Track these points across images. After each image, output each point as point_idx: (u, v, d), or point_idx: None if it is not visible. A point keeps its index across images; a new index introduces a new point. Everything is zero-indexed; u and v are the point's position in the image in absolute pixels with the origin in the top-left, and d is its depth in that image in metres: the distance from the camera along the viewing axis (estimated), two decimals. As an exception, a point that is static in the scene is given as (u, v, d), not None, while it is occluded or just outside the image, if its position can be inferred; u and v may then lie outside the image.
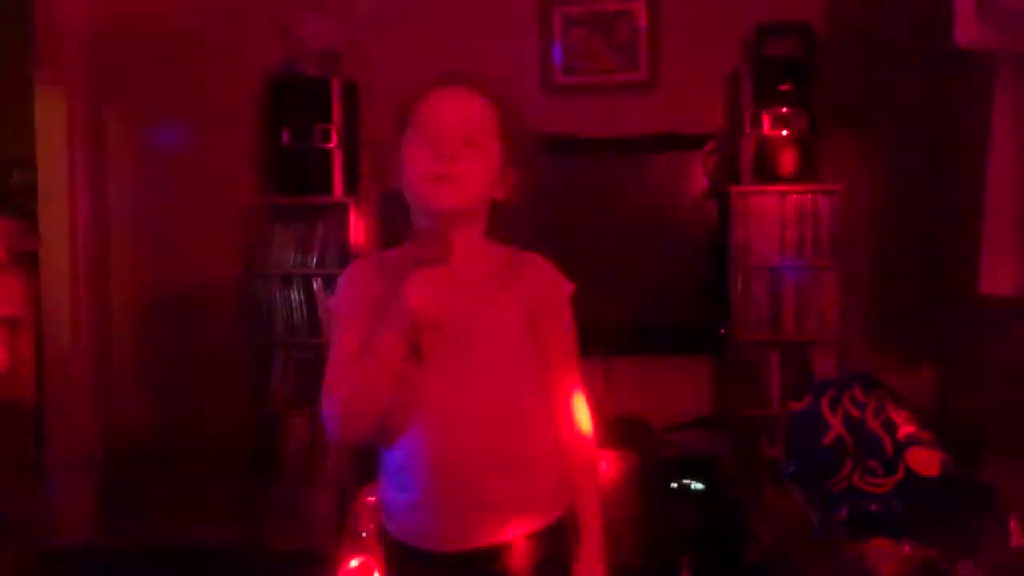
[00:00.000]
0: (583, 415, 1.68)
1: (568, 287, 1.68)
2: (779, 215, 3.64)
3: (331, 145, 3.78)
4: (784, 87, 3.61)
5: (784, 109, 3.60)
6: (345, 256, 3.79)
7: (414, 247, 1.56)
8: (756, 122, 3.63)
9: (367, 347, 1.52)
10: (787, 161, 3.62)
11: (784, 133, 3.62)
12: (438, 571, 1.56)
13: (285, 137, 3.79)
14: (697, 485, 3.47)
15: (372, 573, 2.89)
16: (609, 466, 3.32)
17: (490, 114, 1.63)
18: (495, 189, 1.64)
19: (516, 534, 1.56)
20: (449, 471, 1.54)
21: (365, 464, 3.70)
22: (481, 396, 1.57)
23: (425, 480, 1.55)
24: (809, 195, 3.63)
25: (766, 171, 3.64)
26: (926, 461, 2.45)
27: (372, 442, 1.62)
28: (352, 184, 3.88)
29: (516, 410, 1.59)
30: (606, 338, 3.27)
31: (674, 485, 3.48)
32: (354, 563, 2.95)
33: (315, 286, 3.83)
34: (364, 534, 3.11)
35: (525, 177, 1.68)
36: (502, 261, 1.67)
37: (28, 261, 3.61)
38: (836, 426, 2.61)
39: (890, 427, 2.55)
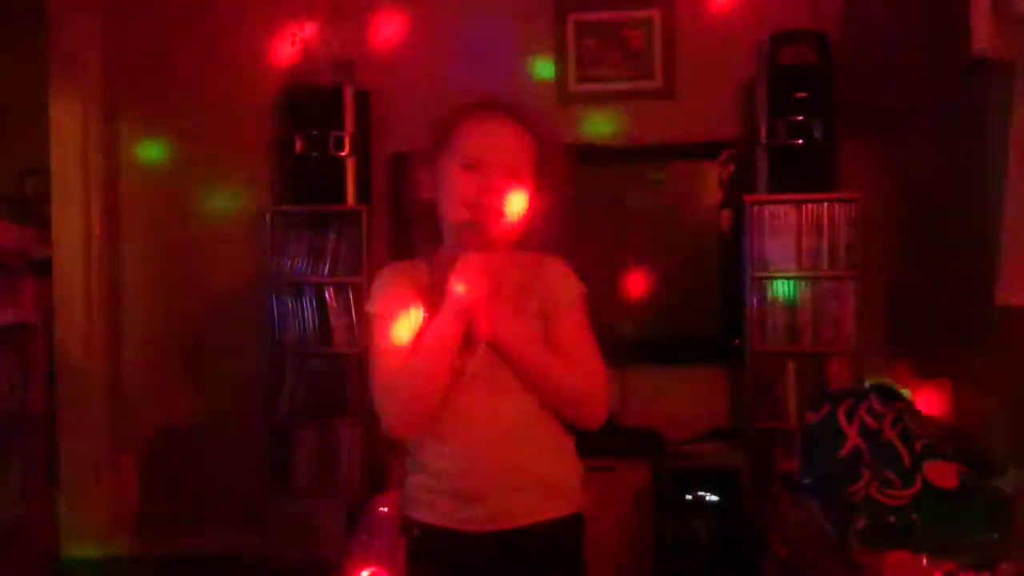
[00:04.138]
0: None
1: (579, 288, 1.75)
2: (795, 225, 3.62)
3: (344, 153, 3.77)
4: (800, 96, 3.59)
5: (800, 118, 3.58)
6: (358, 264, 3.78)
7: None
8: (771, 131, 3.61)
9: (423, 338, 1.61)
10: (803, 170, 3.60)
11: (799, 142, 3.59)
12: (470, 550, 1.67)
13: (298, 145, 3.79)
14: (712, 498, 3.45)
15: (383, 584, 2.87)
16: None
17: (530, 146, 1.70)
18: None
19: (541, 517, 1.68)
20: (483, 461, 1.66)
21: (375, 475, 3.71)
22: (509, 395, 1.66)
23: (461, 468, 1.66)
24: (825, 204, 3.61)
25: (781, 180, 3.62)
26: (944, 473, 2.42)
27: (423, 432, 1.68)
28: (365, 192, 3.88)
29: (540, 407, 1.69)
30: (620, 348, 3.25)
31: (689, 497, 3.46)
32: (364, 574, 2.93)
33: (327, 295, 3.82)
34: (375, 544, 3.09)
35: (553, 200, 1.72)
36: (526, 269, 1.72)
37: (41, 268, 3.62)
38: (853, 437, 2.58)
39: (907, 438, 2.52)
